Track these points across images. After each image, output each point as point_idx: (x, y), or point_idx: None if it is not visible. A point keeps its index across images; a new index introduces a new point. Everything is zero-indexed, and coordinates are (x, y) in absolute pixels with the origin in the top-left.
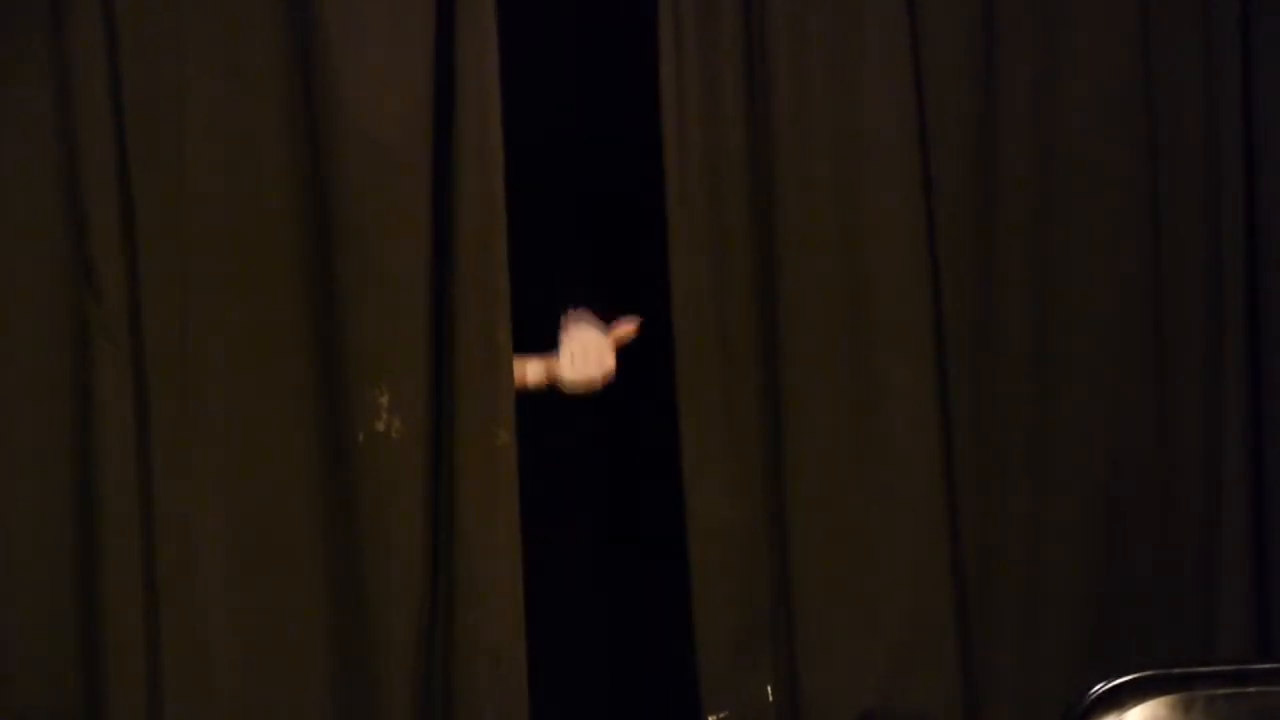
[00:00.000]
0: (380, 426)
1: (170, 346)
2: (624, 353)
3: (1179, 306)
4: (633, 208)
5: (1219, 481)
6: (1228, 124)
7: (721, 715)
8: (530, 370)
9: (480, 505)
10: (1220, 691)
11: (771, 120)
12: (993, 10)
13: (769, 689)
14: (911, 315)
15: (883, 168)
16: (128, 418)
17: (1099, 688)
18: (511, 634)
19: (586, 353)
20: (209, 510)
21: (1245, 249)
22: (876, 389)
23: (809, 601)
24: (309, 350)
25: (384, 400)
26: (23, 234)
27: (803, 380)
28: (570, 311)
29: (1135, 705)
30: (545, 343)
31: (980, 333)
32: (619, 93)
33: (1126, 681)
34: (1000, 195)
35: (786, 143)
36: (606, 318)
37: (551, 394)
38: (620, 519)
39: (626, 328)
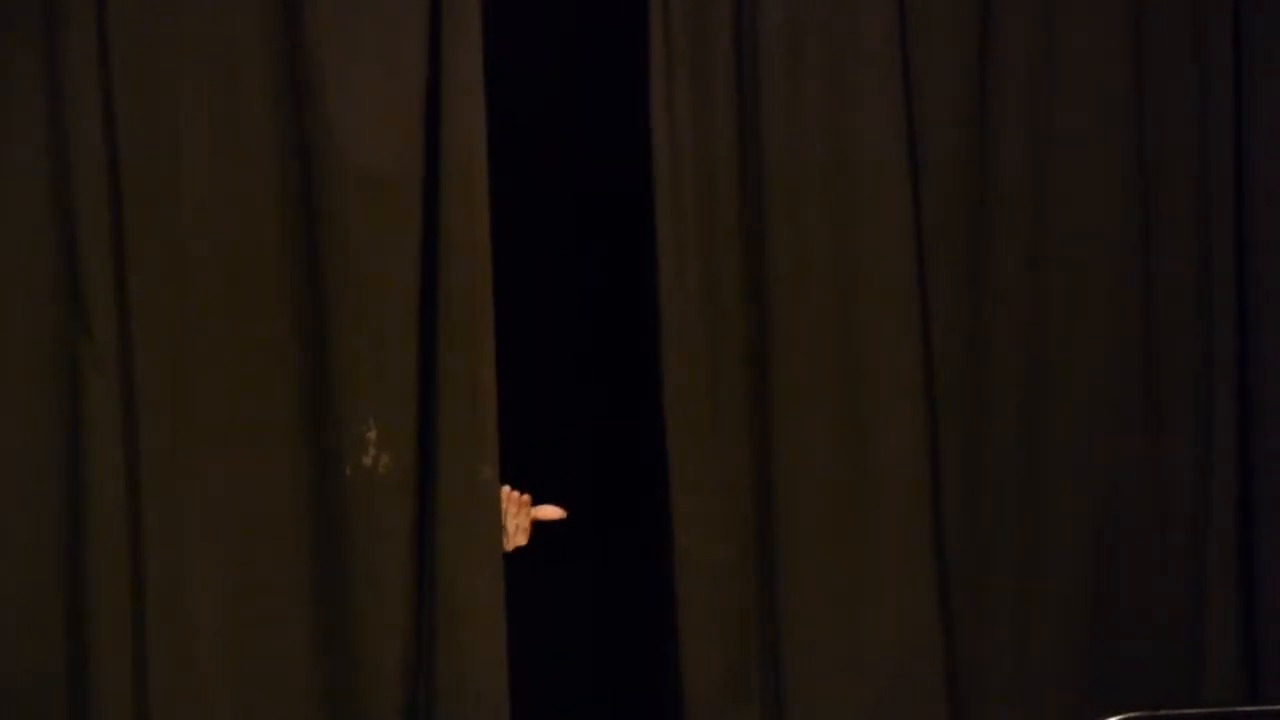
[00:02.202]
0: (368, 461)
1: (160, 380)
2: (611, 385)
3: (1169, 331)
4: (621, 232)
5: (1208, 522)
6: (1218, 132)
7: None
8: None
9: (463, 539)
10: None
11: (761, 136)
12: (987, 21)
13: None
14: (902, 343)
15: (874, 182)
16: (117, 450)
17: None
18: (494, 673)
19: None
20: (197, 544)
21: (1235, 263)
22: (865, 425)
23: (796, 638)
24: (298, 385)
25: (372, 435)
26: (11, 267)
27: (792, 416)
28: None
29: None
30: (531, 367)
31: (971, 363)
32: (609, 113)
33: None
34: (992, 208)
35: (777, 160)
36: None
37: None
38: (607, 555)
39: (551, 511)
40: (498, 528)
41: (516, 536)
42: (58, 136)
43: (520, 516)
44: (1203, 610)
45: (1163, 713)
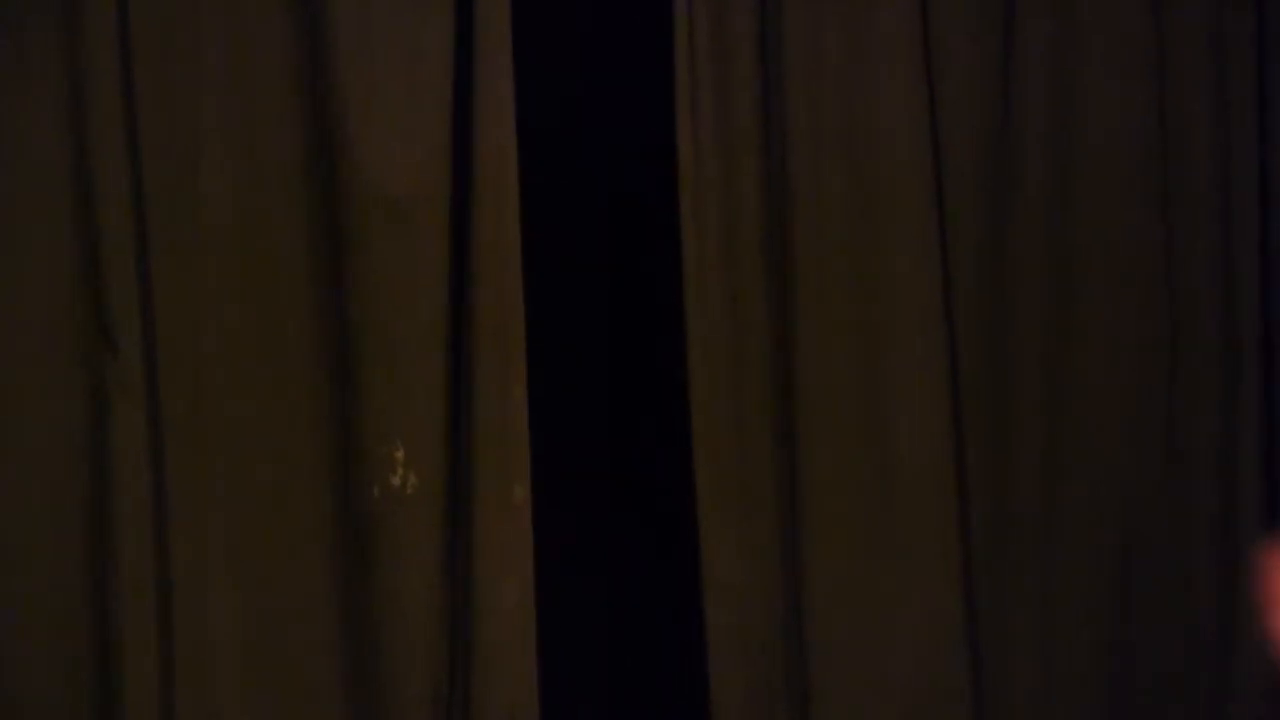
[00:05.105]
0: (396, 481)
1: (186, 403)
2: (638, 402)
3: (1192, 330)
4: (647, 247)
5: (1235, 528)
6: (1240, 130)
7: None
8: None
9: (495, 562)
10: None
11: (785, 141)
12: (1009, 21)
13: None
14: (927, 353)
15: (897, 184)
16: (143, 473)
17: None
18: (525, 694)
19: None
20: (223, 566)
21: (1259, 262)
22: (891, 439)
23: (823, 661)
24: (325, 405)
25: (399, 455)
26: (37, 291)
27: (817, 430)
28: None
29: None
30: (557, 384)
31: (994, 372)
32: (634, 124)
33: None
34: (1014, 210)
35: (800, 165)
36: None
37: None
38: (634, 578)
39: None
40: (529, 548)
41: None
42: (80, 160)
43: None
44: (1231, 619)
45: None
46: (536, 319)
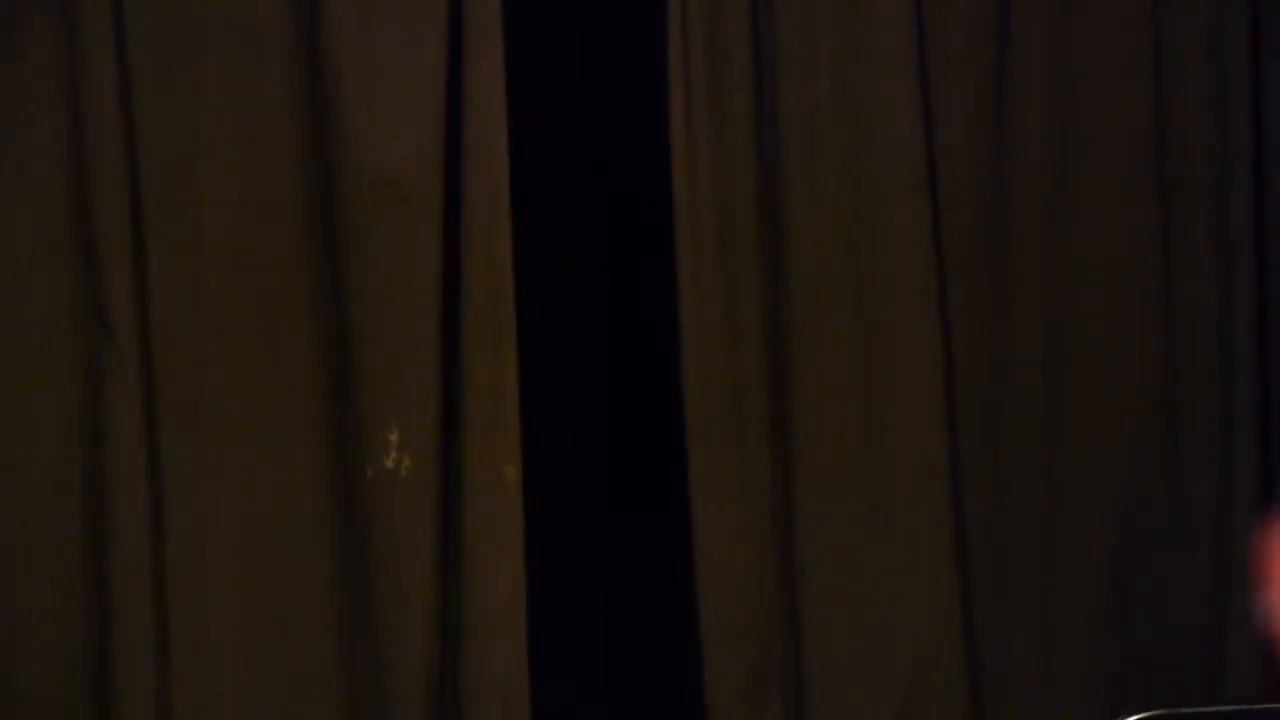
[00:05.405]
0: (390, 463)
1: (181, 384)
2: (631, 388)
3: (1189, 330)
4: (642, 235)
5: (1230, 522)
6: (1235, 134)
7: None
8: None
9: (487, 542)
10: None
11: (779, 140)
12: (1004, 23)
13: None
14: (923, 347)
15: (893, 184)
16: (140, 456)
17: None
18: (517, 679)
19: None
20: (219, 548)
21: (1254, 262)
22: (886, 428)
23: (819, 642)
24: (319, 387)
25: (393, 438)
26: (34, 276)
27: (812, 419)
28: None
29: None
30: (551, 369)
31: (991, 367)
32: (628, 117)
33: None
34: (1011, 209)
35: (795, 163)
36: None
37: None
38: (629, 558)
39: None
40: (520, 527)
41: None
42: (77, 145)
43: None
44: (1225, 610)
45: (1184, 711)
46: (534, 315)
